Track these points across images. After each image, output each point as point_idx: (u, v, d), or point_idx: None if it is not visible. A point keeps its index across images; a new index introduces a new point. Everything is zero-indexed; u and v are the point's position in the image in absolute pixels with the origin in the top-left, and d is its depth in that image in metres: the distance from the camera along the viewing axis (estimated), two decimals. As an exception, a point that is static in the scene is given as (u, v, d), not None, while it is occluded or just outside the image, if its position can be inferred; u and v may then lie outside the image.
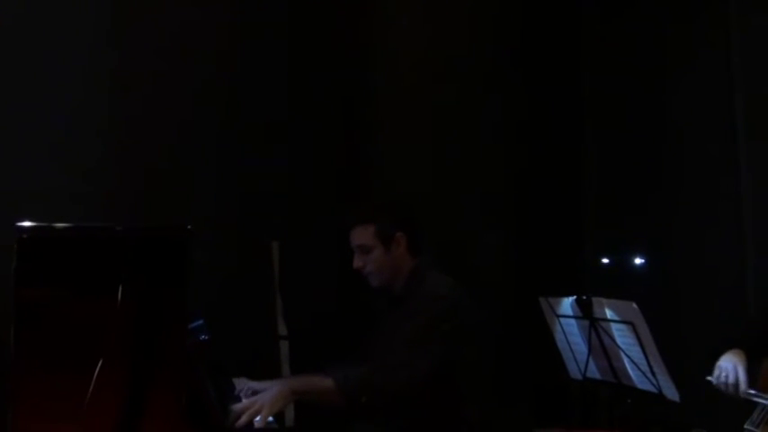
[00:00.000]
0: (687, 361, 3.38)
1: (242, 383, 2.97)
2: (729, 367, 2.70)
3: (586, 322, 3.03)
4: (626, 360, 2.95)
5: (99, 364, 2.00)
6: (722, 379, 2.71)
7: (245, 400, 2.65)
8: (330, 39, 4.01)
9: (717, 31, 4.15)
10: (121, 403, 2.03)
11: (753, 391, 2.66)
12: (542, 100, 4.45)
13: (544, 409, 4.31)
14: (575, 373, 3.24)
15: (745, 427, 2.69)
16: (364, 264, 2.92)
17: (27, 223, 2.04)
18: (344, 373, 2.69)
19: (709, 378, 2.76)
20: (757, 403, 2.66)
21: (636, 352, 2.88)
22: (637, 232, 4.28)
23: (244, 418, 2.50)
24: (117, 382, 2.02)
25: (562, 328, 3.18)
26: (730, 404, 2.82)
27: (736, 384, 2.67)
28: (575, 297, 3.06)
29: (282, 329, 3.74)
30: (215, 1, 3.78)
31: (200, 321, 2.71)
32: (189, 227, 2.15)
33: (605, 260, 3.68)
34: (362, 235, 2.91)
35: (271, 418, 2.61)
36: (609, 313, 2.93)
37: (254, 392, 2.84)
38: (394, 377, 2.70)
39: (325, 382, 2.67)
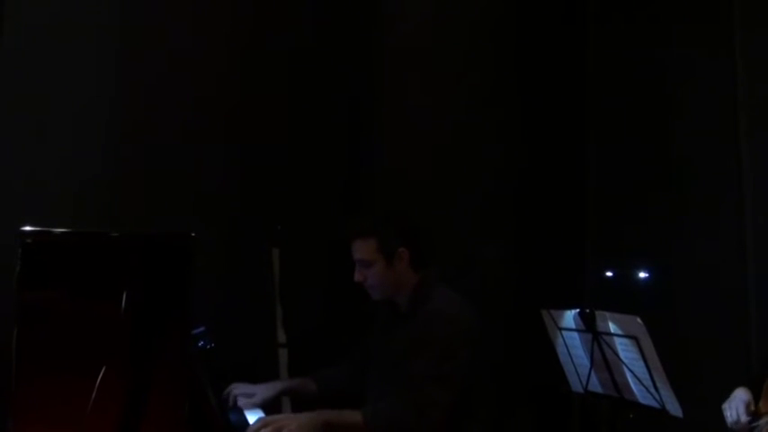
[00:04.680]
0: (691, 376, 3.37)
1: (232, 388, 2.97)
2: (731, 405, 2.82)
3: (589, 335, 3.01)
4: (629, 374, 2.94)
5: (102, 371, 1.98)
6: (728, 418, 2.81)
7: (267, 416, 2.62)
8: (332, 51, 4.00)
9: (721, 44, 4.16)
10: (123, 410, 2.01)
11: (749, 418, 2.78)
12: (544, 114, 4.45)
13: (545, 422, 4.29)
14: (576, 386, 3.22)
15: None
16: (365, 278, 2.86)
17: (31, 228, 2.03)
18: (373, 409, 2.65)
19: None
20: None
21: (639, 366, 2.86)
22: (640, 246, 4.27)
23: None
24: (119, 388, 2.00)
25: (564, 340, 3.17)
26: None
27: (738, 418, 2.77)
28: (578, 310, 3.04)
29: (282, 337, 3.72)
30: (217, 5, 3.77)
31: (202, 328, 2.70)
32: (192, 234, 2.14)
33: (609, 273, 3.67)
34: (363, 249, 2.84)
35: None
36: (612, 327, 2.92)
37: (248, 395, 2.91)
38: (422, 417, 2.63)
39: (355, 417, 2.63)
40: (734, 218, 4.01)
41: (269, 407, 2.96)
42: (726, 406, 2.84)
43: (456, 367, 2.69)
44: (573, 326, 3.09)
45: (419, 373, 2.68)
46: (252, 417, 2.80)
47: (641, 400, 2.94)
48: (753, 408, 2.77)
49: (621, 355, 2.92)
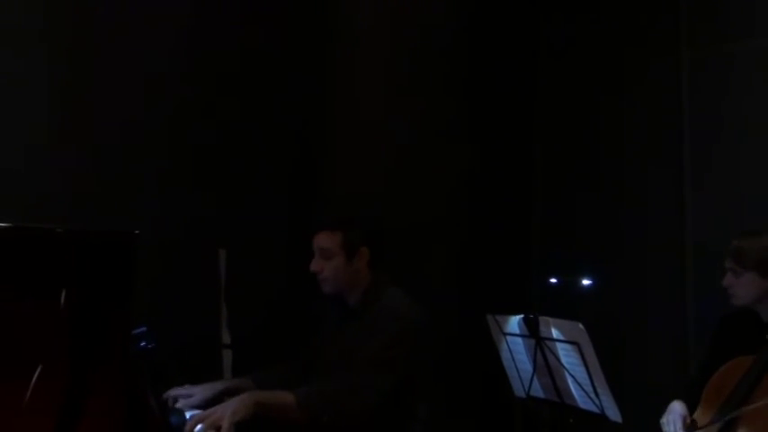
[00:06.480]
0: (631, 382, 3.43)
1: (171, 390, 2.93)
2: (669, 419, 2.86)
3: (532, 341, 3.05)
4: (570, 379, 2.98)
5: (38, 371, 1.93)
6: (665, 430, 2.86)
7: (202, 411, 2.59)
8: (285, 52, 3.98)
9: (667, 60, 4.26)
10: (59, 411, 1.96)
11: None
12: (493, 121, 4.49)
13: (488, 426, 4.33)
14: (519, 391, 3.25)
15: None
16: (322, 268, 2.91)
17: (-33, 223, 1.97)
18: (306, 390, 2.66)
19: None
20: None
21: (580, 372, 2.91)
22: (584, 254, 4.35)
23: (199, 428, 2.45)
24: (56, 389, 1.96)
25: (508, 346, 3.20)
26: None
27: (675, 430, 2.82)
28: (522, 316, 3.07)
29: (226, 338, 3.69)
30: (169, 4, 3.72)
31: (144, 328, 2.65)
32: (136, 231, 2.10)
33: (553, 280, 3.73)
34: (328, 240, 2.90)
35: None
36: (555, 333, 2.96)
37: (187, 396, 2.88)
38: (357, 398, 2.66)
39: (288, 397, 2.63)
40: (675, 228, 4.10)
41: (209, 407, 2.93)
42: (663, 420, 2.89)
43: (398, 356, 2.72)
44: (517, 331, 3.13)
45: (360, 359, 2.72)
46: None
47: (581, 405, 2.98)
48: (688, 420, 2.83)
49: (563, 360, 2.96)
